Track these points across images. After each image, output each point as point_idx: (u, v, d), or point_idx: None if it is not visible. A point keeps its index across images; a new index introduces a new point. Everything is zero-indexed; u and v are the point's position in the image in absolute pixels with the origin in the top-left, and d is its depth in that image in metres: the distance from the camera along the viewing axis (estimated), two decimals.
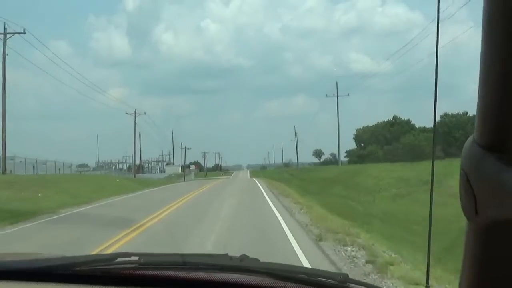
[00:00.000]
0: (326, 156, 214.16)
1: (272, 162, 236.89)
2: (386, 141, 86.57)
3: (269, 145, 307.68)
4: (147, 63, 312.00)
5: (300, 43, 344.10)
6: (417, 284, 6.70)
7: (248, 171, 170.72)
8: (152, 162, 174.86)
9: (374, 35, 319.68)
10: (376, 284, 2.24)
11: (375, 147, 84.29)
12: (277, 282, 1.58)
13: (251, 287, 1.60)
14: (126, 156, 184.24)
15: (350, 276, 1.57)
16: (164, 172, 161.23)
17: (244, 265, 1.67)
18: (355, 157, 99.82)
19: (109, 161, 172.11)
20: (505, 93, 0.73)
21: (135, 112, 76.01)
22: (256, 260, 1.71)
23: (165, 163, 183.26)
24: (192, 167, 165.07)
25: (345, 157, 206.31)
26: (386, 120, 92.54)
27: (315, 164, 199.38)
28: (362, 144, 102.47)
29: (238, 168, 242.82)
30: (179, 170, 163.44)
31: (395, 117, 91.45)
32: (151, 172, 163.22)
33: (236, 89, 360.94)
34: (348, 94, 73.46)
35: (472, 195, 0.77)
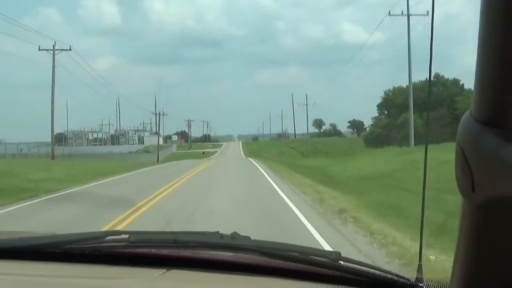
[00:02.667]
0: (325, 126, 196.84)
1: (264, 132, 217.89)
2: (426, 107, 65.56)
3: (261, 116, 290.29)
4: (137, 32, 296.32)
5: (293, 12, 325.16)
6: None
7: (240, 143, 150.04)
8: (130, 132, 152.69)
9: (367, 4, 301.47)
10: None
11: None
12: (269, 260, 1.58)
13: (242, 265, 1.59)
14: (102, 125, 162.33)
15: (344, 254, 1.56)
16: (143, 143, 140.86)
17: (235, 243, 1.64)
18: (380, 127, 78.69)
19: (79, 130, 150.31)
20: (504, 66, 0.70)
21: (53, 47, 45.93)
22: (248, 238, 1.68)
23: (147, 133, 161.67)
24: (175, 137, 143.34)
25: (348, 127, 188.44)
26: (424, 79, 71.20)
27: (312, 135, 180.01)
28: (386, 112, 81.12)
29: (229, 138, 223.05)
30: (160, 141, 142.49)
31: (436, 75, 70.40)
32: (129, 143, 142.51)
33: (228, 59, 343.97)
34: (428, 12, 49.12)
35: (468, 171, 0.74)
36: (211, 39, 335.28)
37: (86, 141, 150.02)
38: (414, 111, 61.88)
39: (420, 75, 73.71)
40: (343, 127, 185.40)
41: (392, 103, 76.80)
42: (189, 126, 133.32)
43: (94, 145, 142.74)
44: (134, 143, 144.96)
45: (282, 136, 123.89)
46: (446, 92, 66.21)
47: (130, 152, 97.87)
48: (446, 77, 73.30)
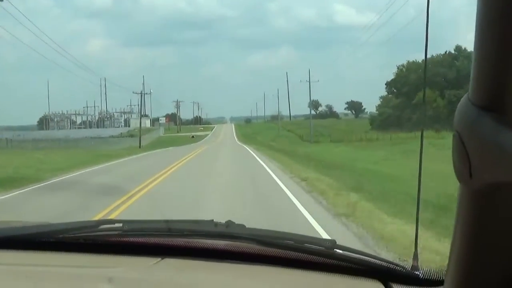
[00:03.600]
0: (321, 108, 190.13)
1: (258, 114, 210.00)
2: (448, 84, 57.12)
3: (253, 98, 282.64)
4: (128, 14, 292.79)
5: None
6: None
7: (233, 125, 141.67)
8: (115, 114, 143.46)
9: None
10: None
11: (432, 92, 54.37)
12: (263, 248, 1.58)
13: (236, 254, 1.60)
14: (86, 107, 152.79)
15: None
16: (129, 126, 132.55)
17: (229, 231, 1.65)
18: (390, 108, 70.23)
19: (61, 113, 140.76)
20: (504, 48, 0.67)
21: None
22: (242, 226, 1.68)
23: (135, 115, 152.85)
24: (162, 120, 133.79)
25: (346, 109, 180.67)
26: (444, 52, 62.60)
27: (306, 117, 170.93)
28: (395, 90, 72.52)
29: (221, 121, 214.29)
30: (148, 123, 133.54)
31: (458, 48, 61.98)
32: (114, 126, 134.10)
33: (219, 41, 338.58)
34: None
35: (466, 157, 0.73)
36: (203, 21, 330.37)
37: (70, 124, 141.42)
38: (433, 89, 53.06)
39: (435, 49, 65.42)
40: (338, 108, 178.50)
41: (406, 80, 67.79)
42: (177, 107, 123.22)
43: (78, 128, 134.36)
44: (120, 126, 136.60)
45: (278, 118, 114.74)
46: (470, 67, 57.89)
47: (111, 136, 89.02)
48: (469, 50, 64.89)
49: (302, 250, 1.55)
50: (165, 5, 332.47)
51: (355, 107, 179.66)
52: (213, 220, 1.69)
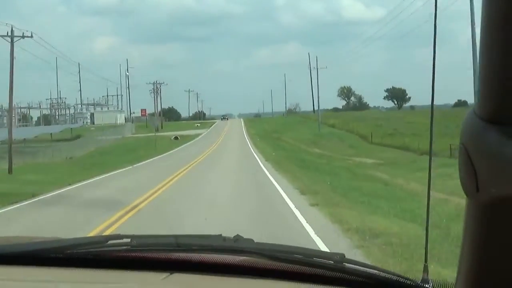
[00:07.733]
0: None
1: (267, 110, 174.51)
2: None
3: (261, 94, 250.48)
4: (134, 11, 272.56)
5: None
6: None
7: (242, 120, 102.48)
8: (81, 106, 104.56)
9: None
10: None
11: None
12: (271, 263, 1.58)
13: (245, 268, 1.61)
14: (50, 99, 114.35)
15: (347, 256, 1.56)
16: (93, 123, 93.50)
17: (238, 246, 1.65)
18: None
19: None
20: (509, 61, 0.67)
21: None
22: (251, 240, 1.69)
23: (113, 108, 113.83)
24: (138, 113, 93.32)
25: (385, 98, 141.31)
26: None
27: (330, 110, 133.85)
28: None
29: (228, 117, 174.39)
30: (118, 119, 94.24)
31: None
32: (74, 122, 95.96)
33: (226, 37, 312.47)
34: None
35: (472, 171, 0.73)
36: (209, 17, 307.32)
37: (15, 121, 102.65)
38: None
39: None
40: (369, 99, 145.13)
41: None
42: (154, 91, 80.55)
43: (21, 126, 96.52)
44: (85, 122, 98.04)
45: (318, 105, 73.26)
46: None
47: (24, 141, 49.37)
48: None
49: (311, 264, 1.55)
50: (172, 2, 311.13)
51: (396, 95, 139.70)
52: (221, 234, 1.67)
